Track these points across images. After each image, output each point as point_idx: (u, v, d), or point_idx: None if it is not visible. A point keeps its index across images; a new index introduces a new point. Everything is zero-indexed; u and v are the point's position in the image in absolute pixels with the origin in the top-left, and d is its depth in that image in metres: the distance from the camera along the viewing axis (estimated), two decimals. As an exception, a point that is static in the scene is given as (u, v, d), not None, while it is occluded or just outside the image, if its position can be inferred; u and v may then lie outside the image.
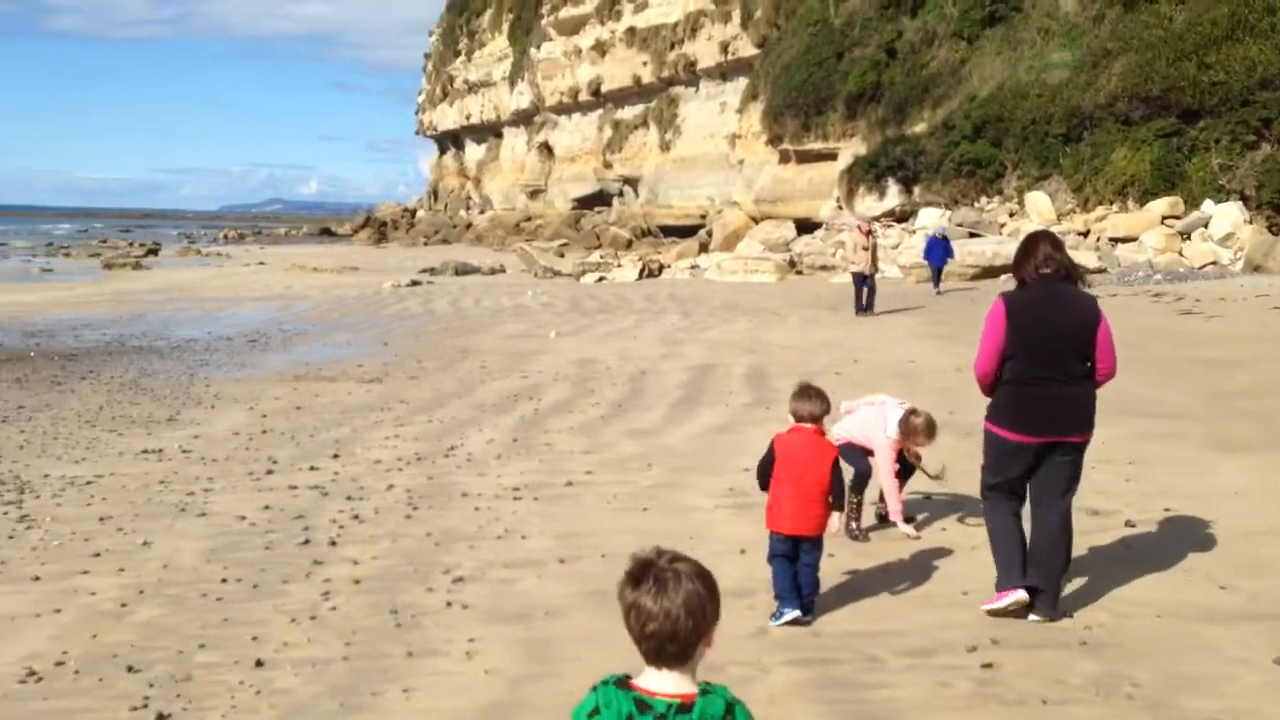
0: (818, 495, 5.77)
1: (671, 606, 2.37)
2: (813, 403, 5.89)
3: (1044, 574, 5.83)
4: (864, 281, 21.53)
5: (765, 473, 5.92)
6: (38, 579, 6.58)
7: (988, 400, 6.02)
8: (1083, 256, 25.22)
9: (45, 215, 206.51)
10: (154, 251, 60.34)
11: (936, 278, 25.22)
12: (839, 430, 7.34)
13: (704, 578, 2.44)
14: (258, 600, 6.20)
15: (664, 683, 2.41)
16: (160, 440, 10.65)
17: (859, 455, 7.32)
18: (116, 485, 8.84)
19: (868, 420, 7.46)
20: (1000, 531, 5.99)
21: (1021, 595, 5.78)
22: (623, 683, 2.43)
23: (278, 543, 7.26)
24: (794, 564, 5.85)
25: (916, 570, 6.65)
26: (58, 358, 17.26)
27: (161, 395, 13.54)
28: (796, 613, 5.80)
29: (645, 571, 2.42)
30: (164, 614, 6.00)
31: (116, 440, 10.71)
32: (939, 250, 25.19)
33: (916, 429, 7.25)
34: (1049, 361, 5.64)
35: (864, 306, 21.56)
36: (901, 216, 33.36)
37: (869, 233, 22.38)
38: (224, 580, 6.52)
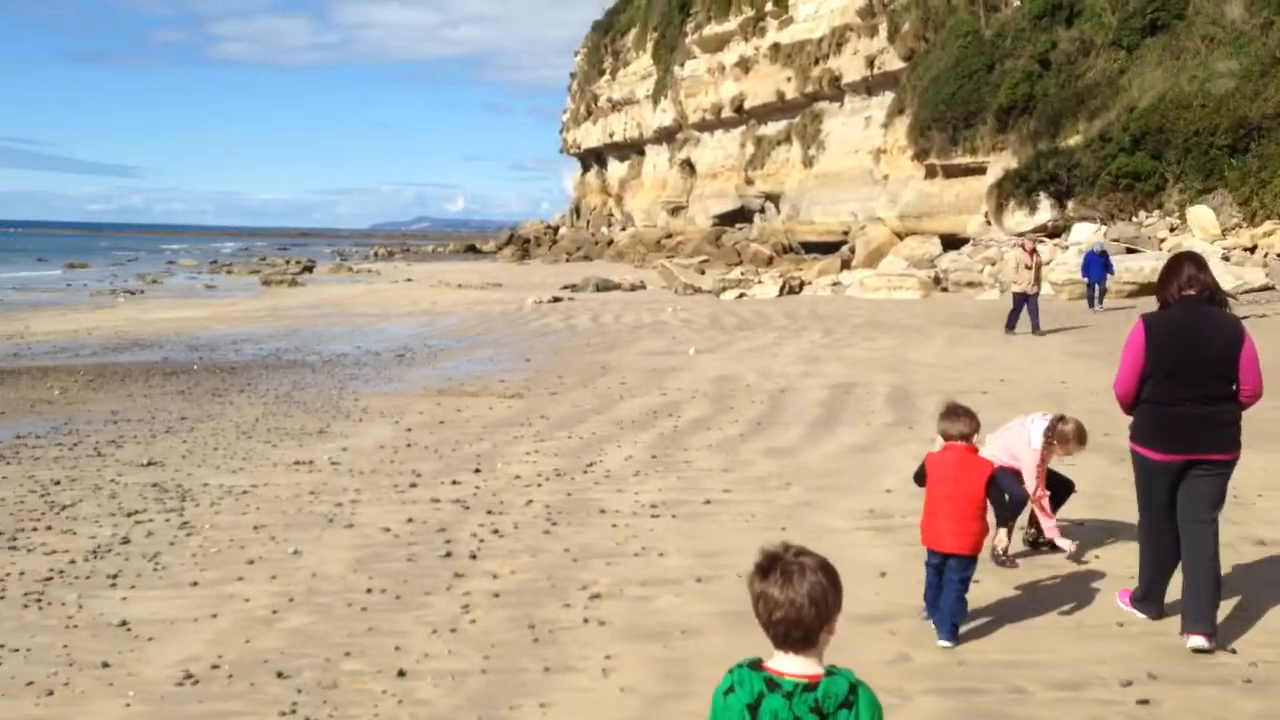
0: (973, 512, 5.78)
1: (796, 596, 2.60)
2: (961, 422, 5.93)
3: (1196, 595, 5.67)
4: (1025, 300, 20.97)
5: (920, 483, 6.06)
6: (196, 584, 6.85)
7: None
8: (1249, 273, 24.07)
9: (212, 234, 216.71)
10: (309, 269, 62.54)
11: (1093, 294, 24.37)
12: (984, 455, 7.15)
13: (827, 570, 2.66)
14: (400, 611, 6.32)
15: (791, 664, 2.65)
16: (311, 452, 11.00)
17: (1010, 480, 7.11)
18: (270, 495, 9.16)
19: (1012, 438, 7.25)
20: (1148, 551, 6.06)
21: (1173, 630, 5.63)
22: (755, 664, 2.68)
23: (420, 555, 7.40)
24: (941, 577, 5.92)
25: (1067, 598, 6.40)
26: (218, 371, 18.01)
27: (313, 408, 13.99)
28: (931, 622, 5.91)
29: (773, 564, 2.66)
30: (312, 621, 6.17)
31: (271, 451, 11.10)
32: (1097, 266, 24.36)
33: (1067, 435, 7.08)
34: (1189, 382, 5.68)
35: (1012, 326, 21.00)
36: (1054, 232, 32.36)
37: (1033, 251, 21.80)
38: (369, 590, 6.68)
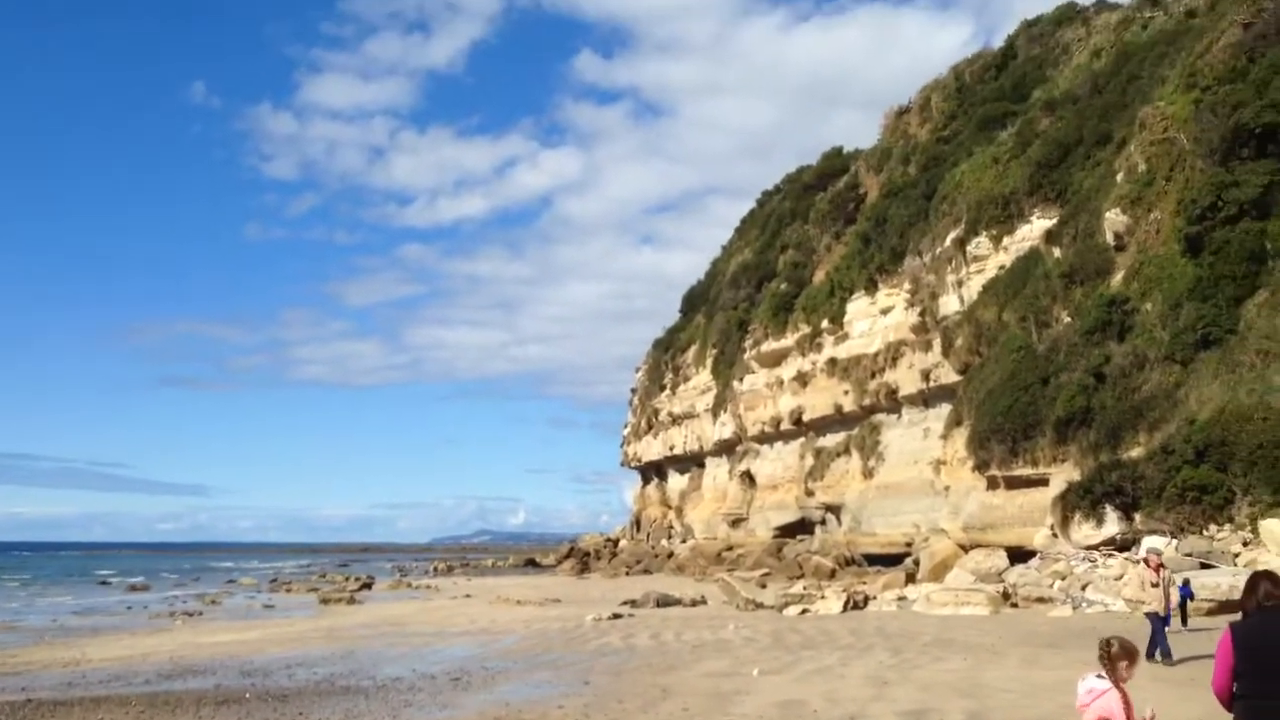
0: None
1: None
2: None
3: None
4: (1162, 623, 19.06)
5: None
6: None
7: None
8: (1334, 587, 23.09)
9: (276, 551, 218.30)
10: (368, 585, 62.42)
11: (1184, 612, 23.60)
12: None
13: None
14: None
15: None
16: (359, 790, 10.55)
17: None
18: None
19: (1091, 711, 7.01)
20: None
21: None
22: None
23: None
24: None
25: None
26: (270, 699, 17.63)
27: (365, 739, 13.55)
28: None
29: None
30: None
31: (317, 789, 10.66)
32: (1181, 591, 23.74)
33: (1118, 654, 6.99)
34: (1276, 679, 6.62)
35: (1167, 653, 18.59)
36: (1123, 545, 31.59)
37: (1159, 567, 20.19)
38: None
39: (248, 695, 18.06)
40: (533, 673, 20.61)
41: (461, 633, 30.36)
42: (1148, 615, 19.47)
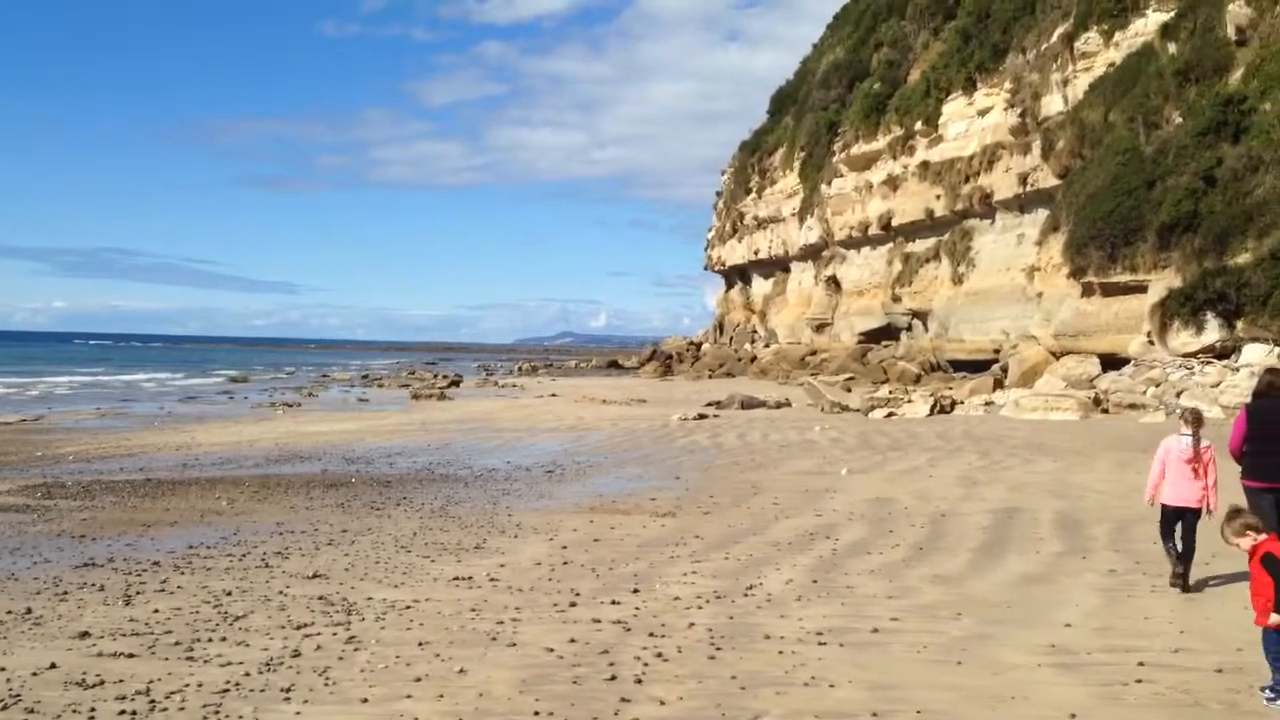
0: None
1: None
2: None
3: None
4: None
5: None
6: (366, 701, 6.84)
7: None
8: None
9: (365, 349, 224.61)
10: (456, 383, 63.90)
11: None
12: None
13: None
14: (568, 737, 6.16)
15: None
16: (470, 568, 11.03)
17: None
18: (433, 611, 9.17)
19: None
20: None
21: None
22: None
23: (585, 677, 7.27)
24: None
25: None
26: (375, 484, 18.36)
27: (468, 523, 14.09)
28: None
29: None
30: (479, 745, 6.05)
31: (430, 566, 11.17)
32: None
33: (1190, 417, 10.24)
34: (1270, 441, 9.58)
35: None
36: (1222, 353, 31.02)
37: None
38: (536, 713, 6.57)
39: (353, 480, 18.82)
40: (624, 467, 21.10)
41: (550, 429, 31.08)
42: None
